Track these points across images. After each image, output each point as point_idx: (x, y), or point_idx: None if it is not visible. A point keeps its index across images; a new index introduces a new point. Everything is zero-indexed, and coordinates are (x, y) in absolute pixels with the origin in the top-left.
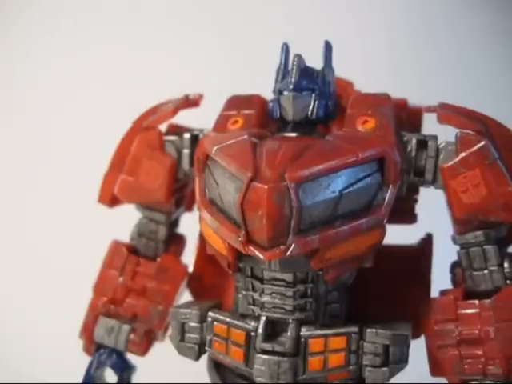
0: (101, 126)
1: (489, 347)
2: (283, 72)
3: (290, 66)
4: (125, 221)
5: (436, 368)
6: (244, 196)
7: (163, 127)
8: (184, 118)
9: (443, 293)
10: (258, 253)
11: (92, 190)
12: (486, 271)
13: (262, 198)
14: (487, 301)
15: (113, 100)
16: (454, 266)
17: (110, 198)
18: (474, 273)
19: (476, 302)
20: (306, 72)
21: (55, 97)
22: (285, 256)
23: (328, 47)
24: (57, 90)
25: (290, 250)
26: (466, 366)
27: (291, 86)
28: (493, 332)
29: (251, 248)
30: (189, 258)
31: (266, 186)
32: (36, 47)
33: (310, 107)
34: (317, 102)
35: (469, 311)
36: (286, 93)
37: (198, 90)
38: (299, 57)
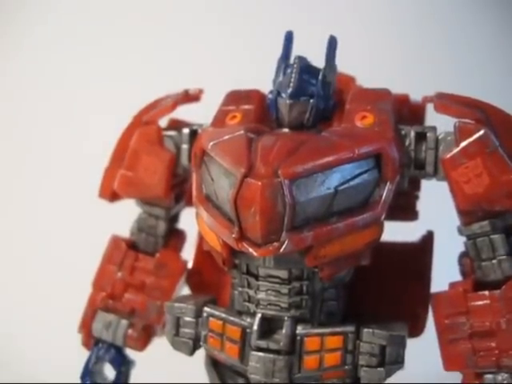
0: (103, 120)
1: (501, 339)
2: (284, 65)
3: (291, 61)
4: (126, 216)
5: (449, 362)
6: (237, 192)
7: (164, 122)
8: (189, 113)
9: (452, 285)
10: (251, 249)
11: (94, 184)
12: (494, 261)
13: (256, 194)
14: (497, 291)
15: (114, 94)
16: (462, 257)
17: (111, 193)
18: (483, 263)
19: (486, 293)
20: (305, 74)
21: (56, 92)
22: (278, 253)
23: (332, 43)
24: (58, 85)
25: (284, 246)
26: (479, 359)
27: (289, 92)
28: (504, 323)
29: (244, 244)
30: (189, 253)
31: (259, 183)
32: (35, 44)
33: (306, 115)
34: (314, 110)
35: (479, 303)
36: (283, 96)
37: (203, 85)
38: (299, 59)
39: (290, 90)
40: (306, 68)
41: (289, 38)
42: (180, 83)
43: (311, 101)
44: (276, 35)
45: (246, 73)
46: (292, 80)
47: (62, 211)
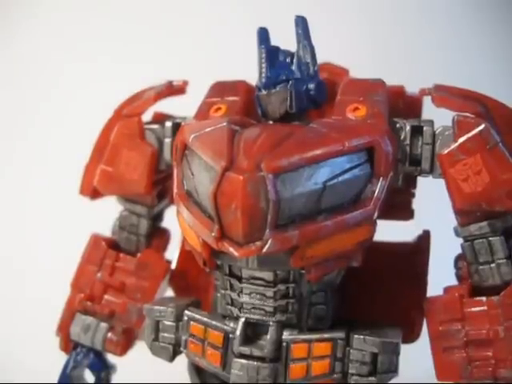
0: (87, 114)
1: (499, 348)
2: (259, 63)
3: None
4: (108, 213)
5: (442, 372)
6: (218, 187)
7: (148, 116)
8: (181, 107)
9: (447, 290)
10: (231, 249)
11: (76, 181)
12: (493, 265)
13: (237, 189)
14: (495, 298)
15: (100, 88)
16: (458, 260)
17: (92, 190)
18: (480, 267)
19: (483, 299)
20: (276, 61)
21: (39, 88)
22: (261, 253)
23: (299, 23)
24: (39, 81)
25: (267, 246)
26: (474, 370)
27: (263, 83)
28: (502, 331)
29: (225, 244)
30: (174, 253)
31: (240, 177)
32: (21, 38)
33: (288, 102)
34: (294, 94)
35: (476, 309)
36: (261, 89)
37: (196, 79)
38: (266, 47)
39: (263, 81)
40: (275, 55)
41: (261, 37)
42: (169, 76)
43: (288, 86)
44: (268, 26)
45: (236, 65)
46: (263, 71)
47: (43, 210)
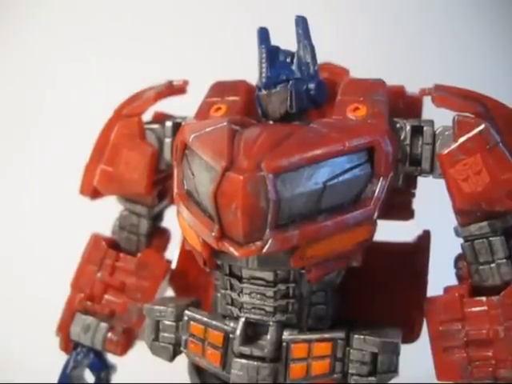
0: (87, 114)
1: (499, 348)
2: (259, 63)
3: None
4: (109, 213)
5: (442, 372)
6: (218, 187)
7: (148, 116)
8: (182, 107)
9: (447, 290)
10: (232, 249)
11: (76, 181)
12: (493, 265)
13: (237, 189)
14: (495, 298)
15: (99, 89)
16: (458, 260)
17: (92, 190)
18: (480, 267)
19: (483, 299)
20: (276, 61)
21: (39, 87)
22: (261, 253)
23: (299, 23)
24: (39, 81)
25: (267, 246)
26: (474, 370)
27: (263, 83)
28: (502, 331)
29: (225, 244)
30: (174, 253)
31: (241, 177)
32: (22, 37)
33: (288, 102)
34: (294, 94)
35: (476, 309)
36: (261, 89)
37: (198, 78)
38: (266, 47)
39: (263, 81)
40: (275, 55)
41: (261, 36)
42: (169, 76)
43: (288, 85)
44: (269, 27)
45: (236, 65)
46: (263, 71)
47: (43, 209)
